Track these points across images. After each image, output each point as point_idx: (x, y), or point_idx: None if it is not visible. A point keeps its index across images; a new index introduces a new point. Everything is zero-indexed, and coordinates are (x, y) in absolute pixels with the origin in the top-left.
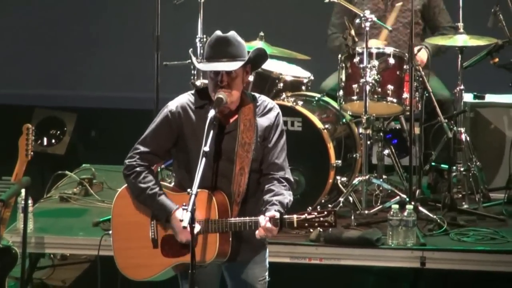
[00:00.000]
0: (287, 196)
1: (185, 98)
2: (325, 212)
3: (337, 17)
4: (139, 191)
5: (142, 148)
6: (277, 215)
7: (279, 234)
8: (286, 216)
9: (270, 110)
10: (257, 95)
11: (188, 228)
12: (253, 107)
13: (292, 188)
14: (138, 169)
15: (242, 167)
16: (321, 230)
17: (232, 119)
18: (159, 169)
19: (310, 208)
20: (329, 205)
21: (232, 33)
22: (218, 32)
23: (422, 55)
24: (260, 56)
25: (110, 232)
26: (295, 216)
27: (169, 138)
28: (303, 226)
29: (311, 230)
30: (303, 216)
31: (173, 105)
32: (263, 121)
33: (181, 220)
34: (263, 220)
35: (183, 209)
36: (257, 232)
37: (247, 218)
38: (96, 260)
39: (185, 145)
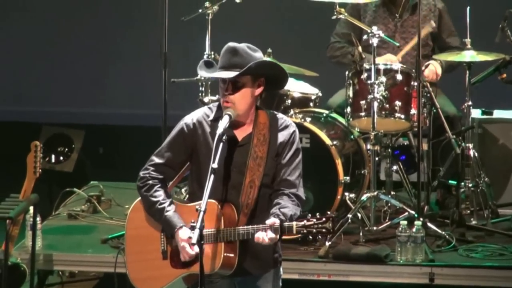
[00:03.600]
0: (293, 209)
1: (201, 112)
2: (323, 219)
3: (342, 27)
4: (150, 204)
5: (156, 160)
6: (277, 222)
7: (289, 250)
8: (286, 223)
9: (286, 127)
10: (275, 112)
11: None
12: (268, 123)
13: (302, 205)
14: (150, 181)
15: (252, 179)
16: (328, 243)
17: (246, 132)
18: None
19: (310, 215)
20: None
21: (244, 44)
22: (232, 43)
23: (436, 69)
24: (267, 68)
25: (123, 246)
26: (294, 222)
27: (184, 150)
28: (302, 233)
29: (310, 237)
30: (301, 223)
31: (189, 118)
32: (278, 137)
33: (190, 237)
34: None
35: (192, 226)
36: (257, 235)
37: (250, 226)
38: (106, 277)
39: (198, 158)
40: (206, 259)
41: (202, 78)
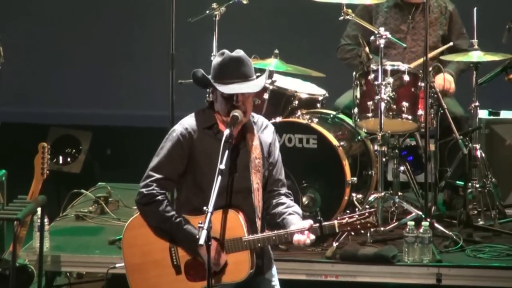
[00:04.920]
0: (298, 208)
1: (191, 120)
2: (366, 213)
3: (353, 29)
4: (163, 219)
5: (157, 175)
6: (311, 222)
7: (296, 251)
8: (325, 223)
9: (266, 126)
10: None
11: (205, 246)
12: (252, 125)
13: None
14: (159, 197)
15: (257, 182)
16: (335, 244)
17: (240, 136)
18: None
19: (348, 211)
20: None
21: (242, 53)
22: (228, 52)
23: (450, 79)
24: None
25: (122, 264)
26: (336, 221)
27: (183, 161)
28: (346, 231)
29: (352, 233)
30: (344, 221)
31: (181, 127)
32: (265, 138)
33: (198, 238)
34: (302, 225)
35: (199, 227)
36: (296, 238)
37: (282, 231)
38: (113, 278)
39: (194, 167)
40: (233, 269)
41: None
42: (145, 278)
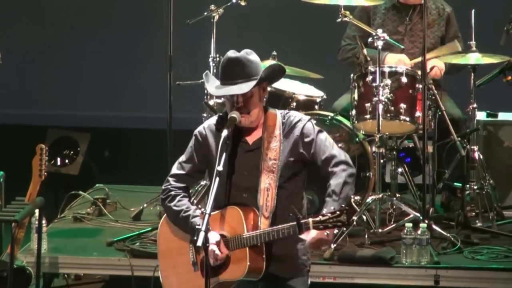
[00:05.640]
0: (339, 178)
1: (213, 120)
2: (338, 212)
3: (353, 30)
4: (175, 213)
5: (176, 171)
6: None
7: None
8: (303, 221)
9: (296, 124)
10: (285, 111)
11: (203, 248)
12: (279, 124)
13: (350, 165)
14: (173, 192)
15: (268, 183)
16: (333, 246)
17: (257, 136)
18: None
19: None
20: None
21: (244, 53)
22: (230, 53)
23: (439, 64)
24: (274, 72)
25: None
26: (310, 219)
27: (201, 158)
28: (319, 228)
29: (327, 232)
30: (317, 219)
31: (201, 126)
32: (290, 138)
33: (218, 241)
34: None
35: (197, 228)
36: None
37: (270, 228)
38: (111, 280)
39: (211, 165)
40: (232, 266)
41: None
42: (172, 274)
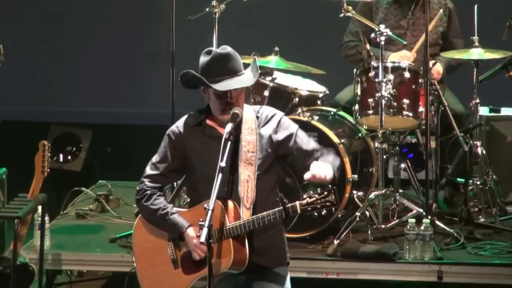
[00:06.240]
0: (326, 154)
1: (184, 119)
2: (325, 192)
3: (355, 25)
4: (152, 212)
5: (150, 172)
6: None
7: (297, 249)
8: (289, 205)
9: (271, 118)
10: (258, 107)
11: (206, 244)
12: (254, 119)
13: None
14: (149, 192)
15: (248, 174)
16: (336, 241)
17: (235, 130)
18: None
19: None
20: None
21: (230, 49)
22: (215, 49)
23: (438, 68)
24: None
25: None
26: (297, 202)
27: (175, 158)
28: (307, 211)
29: (315, 213)
30: (304, 201)
31: (173, 127)
32: (266, 131)
33: (198, 236)
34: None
35: (200, 225)
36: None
37: (254, 216)
38: (114, 276)
39: (189, 163)
40: (216, 259)
41: None
42: (151, 275)
